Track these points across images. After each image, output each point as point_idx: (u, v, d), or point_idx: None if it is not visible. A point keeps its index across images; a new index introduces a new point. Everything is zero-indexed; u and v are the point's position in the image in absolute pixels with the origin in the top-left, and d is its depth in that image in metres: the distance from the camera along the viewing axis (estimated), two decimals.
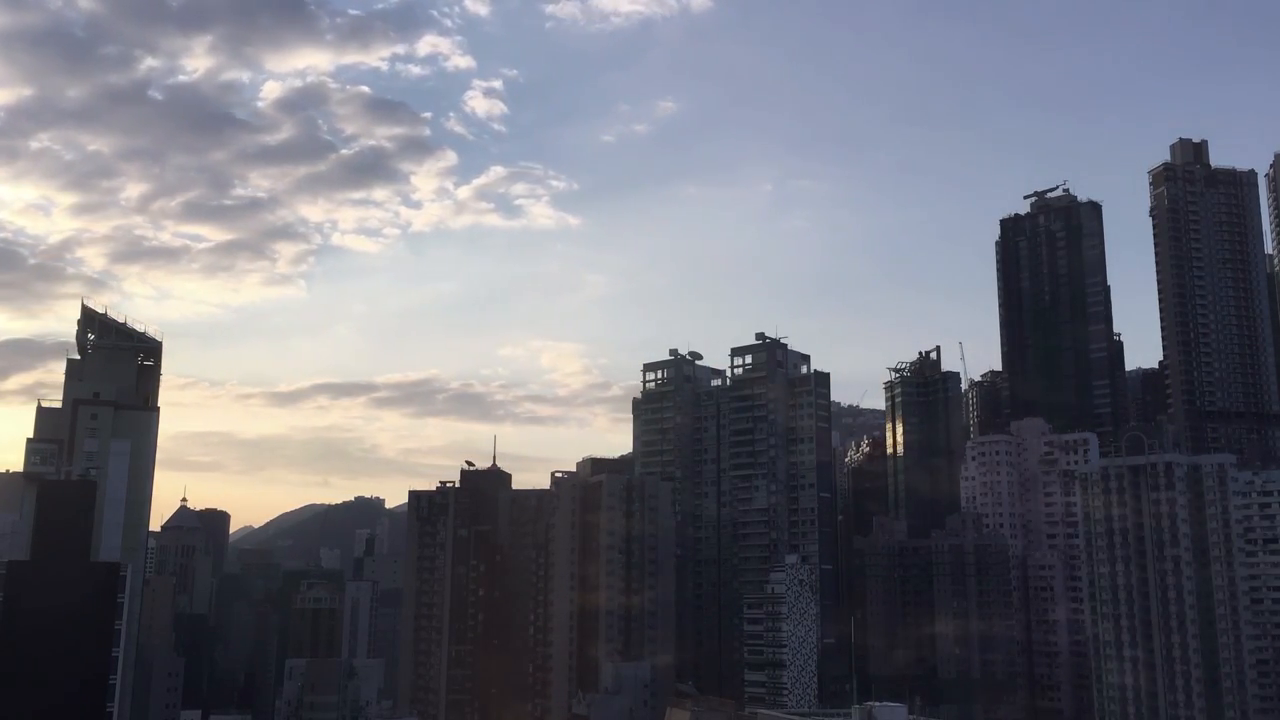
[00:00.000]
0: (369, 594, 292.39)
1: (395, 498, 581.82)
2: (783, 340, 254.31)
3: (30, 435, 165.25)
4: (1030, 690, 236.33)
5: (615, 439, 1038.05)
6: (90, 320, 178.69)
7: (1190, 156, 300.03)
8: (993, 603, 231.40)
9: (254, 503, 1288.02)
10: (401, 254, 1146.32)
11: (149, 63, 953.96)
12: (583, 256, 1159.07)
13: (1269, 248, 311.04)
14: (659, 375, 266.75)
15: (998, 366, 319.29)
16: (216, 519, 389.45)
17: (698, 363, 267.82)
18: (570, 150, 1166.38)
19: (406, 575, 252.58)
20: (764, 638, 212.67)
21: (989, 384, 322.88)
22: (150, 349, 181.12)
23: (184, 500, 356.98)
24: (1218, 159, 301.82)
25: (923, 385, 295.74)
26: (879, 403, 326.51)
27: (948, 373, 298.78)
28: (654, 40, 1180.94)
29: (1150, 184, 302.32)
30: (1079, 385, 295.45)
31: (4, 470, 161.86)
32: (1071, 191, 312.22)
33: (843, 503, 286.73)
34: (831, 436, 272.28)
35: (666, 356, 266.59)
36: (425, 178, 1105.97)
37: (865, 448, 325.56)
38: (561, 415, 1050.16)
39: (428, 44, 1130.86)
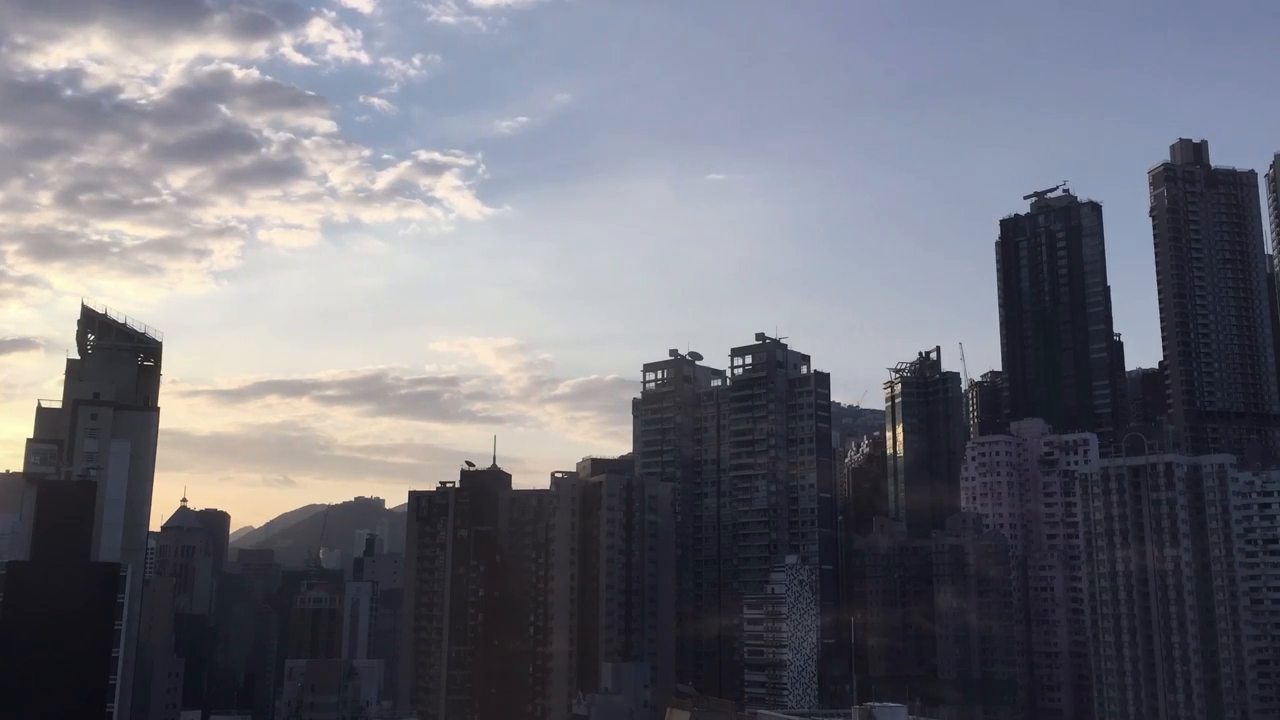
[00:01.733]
0: (369, 594, 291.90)
1: (395, 498, 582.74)
2: (783, 340, 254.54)
3: (30, 435, 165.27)
4: (1030, 690, 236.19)
5: (576, 437, 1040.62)
6: (90, 320, 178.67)
7: (1190, 157, 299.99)
8: (993, 603, 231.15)
9: (254, 503, 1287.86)
10: (323, 248, 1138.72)
11: (44, 57, 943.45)
12: (504, 249, 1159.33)
13: (1269, 248, 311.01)
14: (659, 375, 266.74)
15: (998, 367, 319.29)
16: (216, 519, 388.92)
17: (698, 363, 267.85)
18: (481, 142, 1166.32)
19: (406, 575, 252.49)
20: (764, 638, 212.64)
21: (989, 384, 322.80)
22: (150, 349, 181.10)
23: (184, 500, 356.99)
24: (1218, 159, 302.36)
25: (923, 386, 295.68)
26: (879, 403, 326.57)
27: (948, 373, 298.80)
28: (551, 28, 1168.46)
29: (1150, 184, 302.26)
30: (1079, 385, 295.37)
31: (4, 470, 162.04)
32: (1071, 191, 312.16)
33: (843, 503, 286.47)
34: (831, 436, 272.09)
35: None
36: (340, 170, 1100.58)
37: (865, 448, 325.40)
38: (519, 414, 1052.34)
39: (318, 35, 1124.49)
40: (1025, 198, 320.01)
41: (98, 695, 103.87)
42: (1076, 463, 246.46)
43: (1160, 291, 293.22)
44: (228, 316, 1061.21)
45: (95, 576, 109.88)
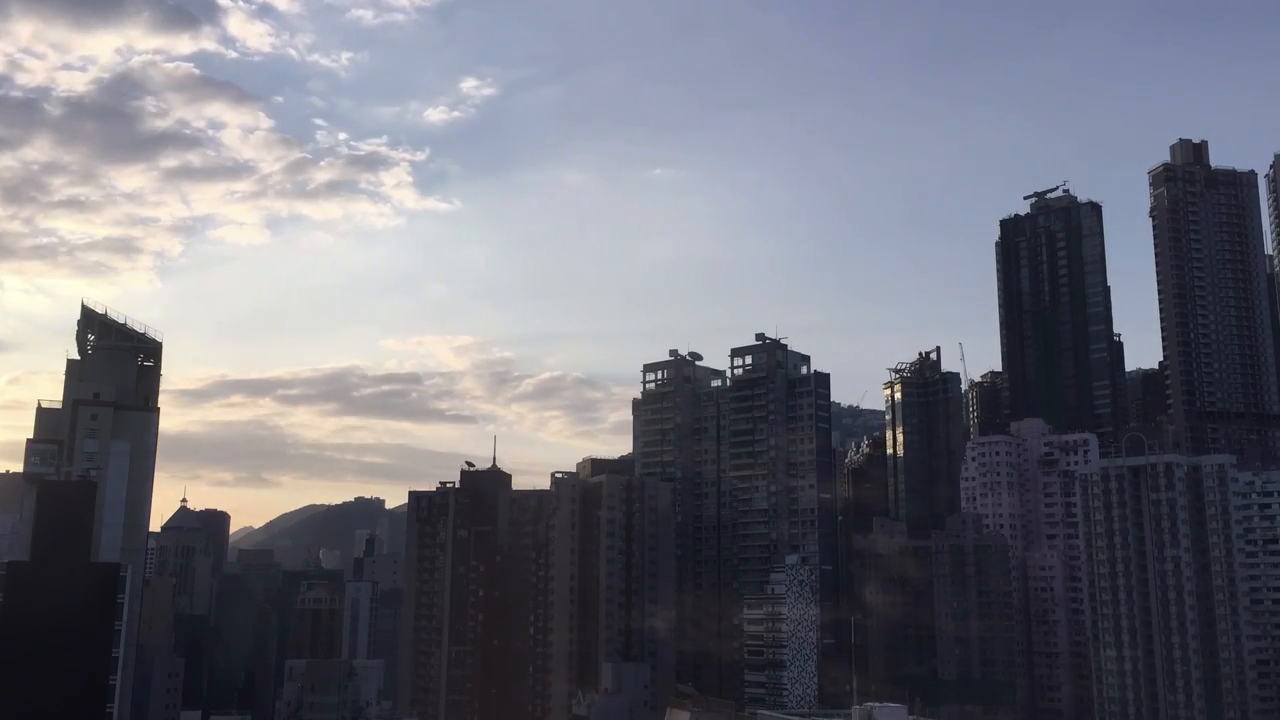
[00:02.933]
0: (369, 594, 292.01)
1: (394, 498, 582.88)
2: (783, 341, 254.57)
3: (30, 436, 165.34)
4: (1030, 690, 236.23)
5: (548, 436, 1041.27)
6: (90, 321, 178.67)
7: (1190, 157, 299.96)
8: (993, 603, 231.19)
9: (254, 503, 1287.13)
10: (269, 245, 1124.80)
11: None
12: (448, 242, 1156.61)
13: (1269, 248, 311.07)
14: (659, 376, 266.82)
15: (998, 367, 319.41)
16: (216, 519, 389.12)
17: (698, 363, 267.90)
18: (415, 135, 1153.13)
19: (406, 576, 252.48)
20: (764, 638, 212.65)
21: (989, 384, 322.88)
22: (150, 349, 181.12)
23: (184, 501, 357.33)
24: (1218, 159, 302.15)
25: (923, 386, 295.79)
26: (879, 403, 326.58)
27: (948, 373, 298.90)
28: (470, 21, 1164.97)
29: (1150, 184, 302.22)
30: (1079, 386, 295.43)
31: (4, 471, 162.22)
32: (1071, 192, 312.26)
33: (843, 503, 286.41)
34: (831, 437, 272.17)
35: (657, 357, 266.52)
36: (279, 166, 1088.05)
37: (865, 448, 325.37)
38: (487, 414, 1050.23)
39: (239, 30, 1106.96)
40: (1025, 198, 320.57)
41: (98, 695, 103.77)
42: (1076, 463, 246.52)
43: (1160, 291, 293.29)
44: (175, 315, 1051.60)
45: (95, 577, 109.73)
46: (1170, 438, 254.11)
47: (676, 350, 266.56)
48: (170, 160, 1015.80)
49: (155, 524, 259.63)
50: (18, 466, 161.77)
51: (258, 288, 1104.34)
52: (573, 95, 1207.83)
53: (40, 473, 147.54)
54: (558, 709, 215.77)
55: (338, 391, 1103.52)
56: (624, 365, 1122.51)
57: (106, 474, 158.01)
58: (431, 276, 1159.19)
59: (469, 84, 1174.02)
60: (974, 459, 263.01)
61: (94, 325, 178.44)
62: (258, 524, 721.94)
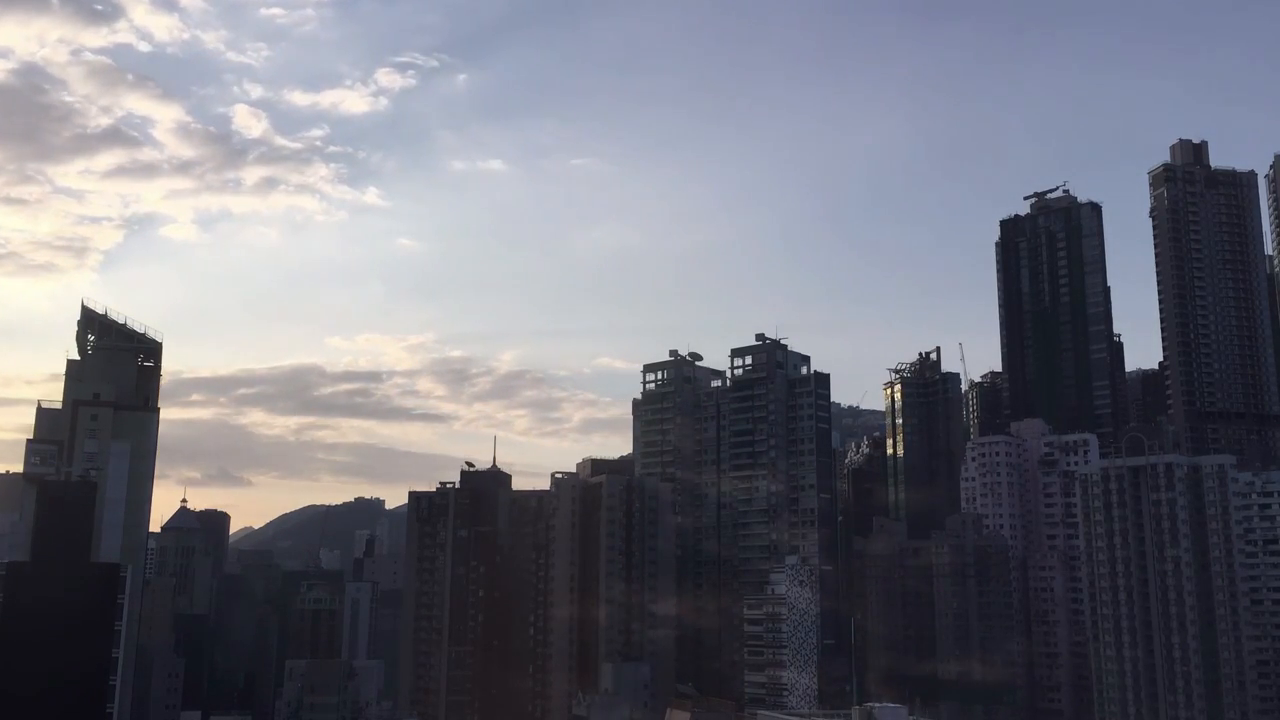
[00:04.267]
0: (369, 595, 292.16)
1: (394, 498, 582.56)
2: (783, 341, 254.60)
3: (30, 436, 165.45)
4: (1030, 691, 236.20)
5: (514, 435, 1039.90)
6: (90, 321, 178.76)
7: (1190, 157, 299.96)
8: (992, 604, 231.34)
9: (254, 503, 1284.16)
10: (202, 242, 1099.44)
11: None
12: (378, 235, 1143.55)
13: (1269, 249, 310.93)
14: (659, 376, 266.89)
15: (998, 367, 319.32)
16: (216, 520, 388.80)
17: (698, 364, 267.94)
18: (337, 128, 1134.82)
19: (406, 576, 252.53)
20: (764, 638, 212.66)
21: (989, 385, 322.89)
22: (150, 350, 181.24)
23: (184, 501, 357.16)
24: (1218, 159, 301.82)
25: (923, 386, 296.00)
26: (879, 403, 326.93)
27: (948, 373, 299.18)
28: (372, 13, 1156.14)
29: (1150, 185, 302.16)
30: (1079, 386, 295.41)
31: (4, 471, 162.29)
32: (1071, 192, 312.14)
33: (843, 503, 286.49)
34: (831, 437, 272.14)
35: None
36: (207, 161, 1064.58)
37: (865, 448, 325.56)
38: (451, 413, 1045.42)
39: (144, 21, 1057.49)
40: (1025, 198, 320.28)
41: (98, 695, 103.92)
42: (1076, 463, 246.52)
43: (1160, 292, 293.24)
44: (118, 314, 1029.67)
45: (95, 577, 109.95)
46: (1170, 438, 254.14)
47: (676, 350, 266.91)
48: (99, 155, 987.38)
49: (155, 524, 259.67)
50: (18, 467, 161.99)
51: (195, 286, 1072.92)
52: (488, 83, 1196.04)
53: (40, 473, 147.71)
54: (558, 709, 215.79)
55: (297, 390, 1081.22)
56: (576, 361, 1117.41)
57: (106, 474, 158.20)
58: (368, 272, 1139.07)
59: (385, 75, 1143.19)
60: (974, 459, 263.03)
61: (94, 325, 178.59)
62: (258, 524, 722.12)
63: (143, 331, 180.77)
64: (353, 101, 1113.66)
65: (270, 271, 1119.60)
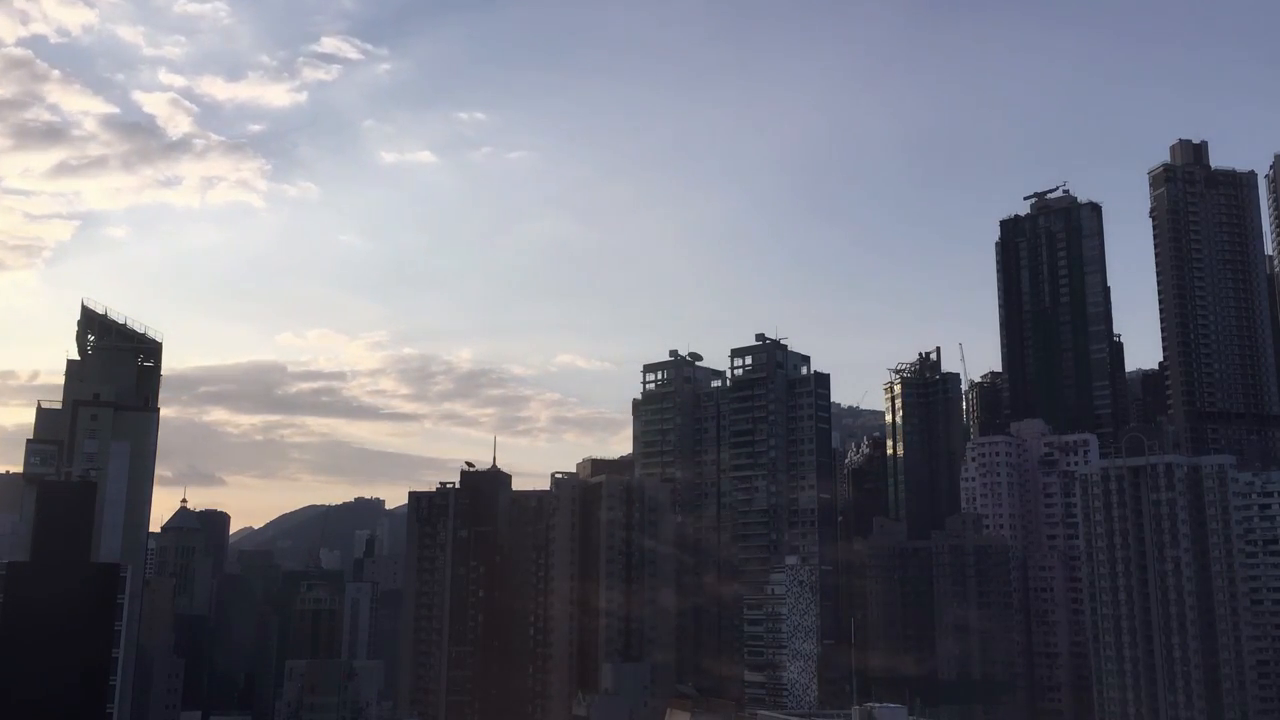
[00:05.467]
0: (369, 595, 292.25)
1: (395, 499, 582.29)
2: (783, 341, 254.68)
3: (30, 436, 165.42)
4: (1030, 691, 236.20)
5: (482, 434, 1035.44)
6: (90, 321, 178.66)
7: (1190, 157, 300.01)
8: (993, 604, 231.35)
9: (254, 503, 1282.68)
10: (139, 239, 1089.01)
11: None
12: (315, 230, 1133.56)
13: (1269, 249, 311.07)
14: (659, 376, 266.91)
15: (998, 367, 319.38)
16: (216, 520, 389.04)
17: (698, 364, 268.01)
18: (263, 122, 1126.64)
19: (406, 576, 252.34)
20: (764, 638, 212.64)
21: (989, 385, 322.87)
22: (150, 350, 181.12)
23: (184, 501, 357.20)
24: (1218, 160, 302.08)
25: (923, 386, 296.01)
26: (879, 403, 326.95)
27: (948, 373, 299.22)
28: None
29: (1150, 185, 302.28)
30: (1079, 386, 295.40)
31: (4, 471, 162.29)
32: (1071, 192, 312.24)
33: (843, 503, 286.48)
34: (831, 437, 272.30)
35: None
36: (138, 156, 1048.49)
37: (865, 448, 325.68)
38: (417, 412, 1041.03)
39: (57, 13, 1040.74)
40: (1025, 198, 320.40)
41: (98, 696, 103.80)
42: (1076, 463, 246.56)
43: (1160, 292, 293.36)
44: (59, 313, 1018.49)
45: (95, 577, 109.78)
46: (1170, 438, 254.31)
47: (676, 351, 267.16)
48: (37, 152, 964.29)
49: (155, 524, 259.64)
50: (18, 467, 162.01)
51: (137, 284, 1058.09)
52: (409, 71, 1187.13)
53: (40, 473, 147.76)
54: (558, 709, 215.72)
55: (261, 389, 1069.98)
56: (536, 358, 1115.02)
57: (106, 474, 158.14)
58: (308, 268, 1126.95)
59: (305, 65, 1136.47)
60: (974, 459, 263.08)
61: (94, 326, 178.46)
62: (258, 524, 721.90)
63: (143, 331, 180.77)
64: (276, 94, 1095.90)
65: (210, 268, 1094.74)
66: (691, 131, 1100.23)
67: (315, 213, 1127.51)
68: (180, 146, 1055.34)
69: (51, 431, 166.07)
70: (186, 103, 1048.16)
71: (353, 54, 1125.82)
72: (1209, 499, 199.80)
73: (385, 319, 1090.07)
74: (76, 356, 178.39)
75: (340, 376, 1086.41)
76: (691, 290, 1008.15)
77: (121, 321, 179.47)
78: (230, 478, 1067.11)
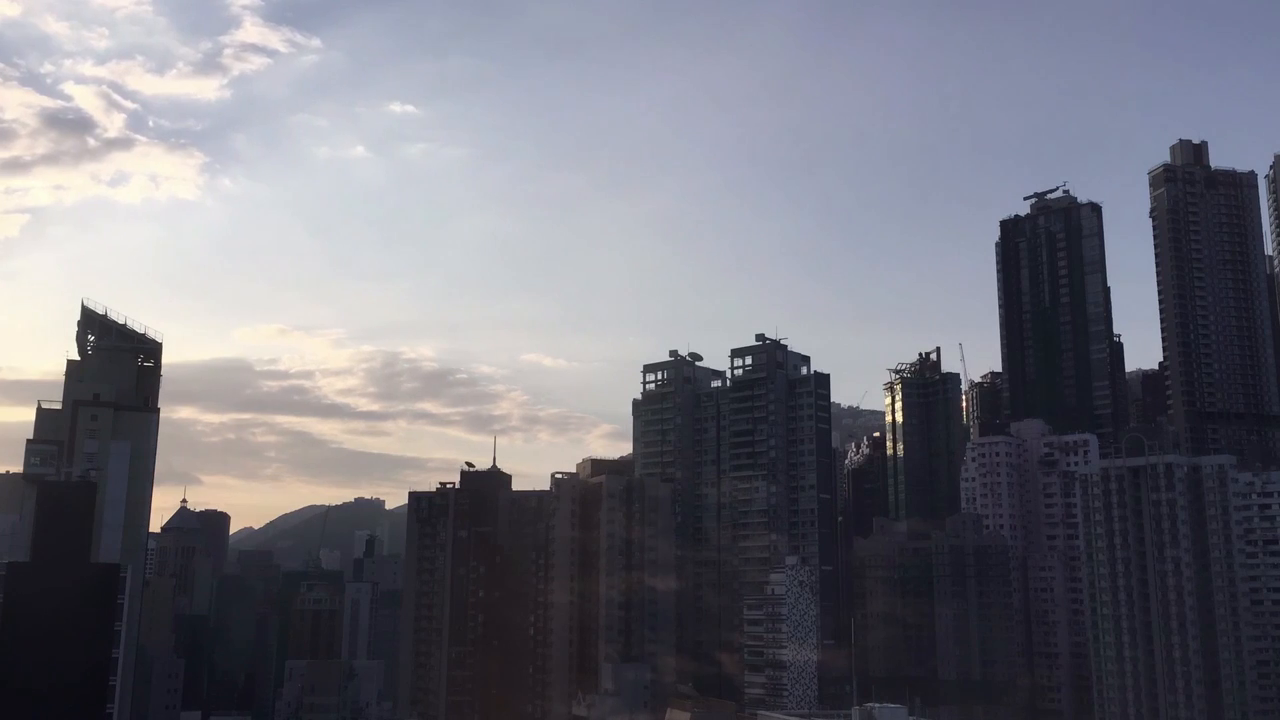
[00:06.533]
0: (369, 595, 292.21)
1: (394, 499, 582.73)
2: (782, 341, 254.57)
3: (30, 436, 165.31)
4: (1030, 691, 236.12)
5: (456, 433, 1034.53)
6: (90, 321, 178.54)
7: (1190, 158, 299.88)
8: (993, 604, 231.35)
9: (254, 504, 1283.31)
10: (81, 236, 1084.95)
11: None
12: (251, 225, 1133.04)
13: (1269, 249, 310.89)
14: (659, 376, 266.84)
15: (998, 367, 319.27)
16: (216, 520, 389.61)
17: (698, 364, 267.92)
18: (193, 116, 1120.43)
19: (406, 576, 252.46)
20: (764, 638, 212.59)
21: (989, 385, 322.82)
22: (150, 350, 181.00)
23: (184, 501, 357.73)
24: (1218, 160, 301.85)
25: (923, 386, 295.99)
26: (879, 403, 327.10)
27: (948, 374, 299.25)
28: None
29: (1150, 185, 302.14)
30: (1079, 386, 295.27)
31: (4, 471, 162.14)
32: (1071, 192, 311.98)
33: (843, 503, 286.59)
34: (831, 437, 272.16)
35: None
36: (70, 151, 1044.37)
37: (865, 448, 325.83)
38: (398, 410, 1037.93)
39: None
40: (1025, 198, 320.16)
41: (98, 696, 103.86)
42: (1076, 463, 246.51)
43: (1160, 292, 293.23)
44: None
45: (95, 577, 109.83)
46: (1170, 438, 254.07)
47: (676, 351, 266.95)
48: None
49: (155, 524, 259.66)
50: (18, 467, 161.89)
51: (79, 282, 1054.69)
52: (335, 64, 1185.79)
53: (40, 473, 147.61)
54: (558, 709, 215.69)
55: (227, 388, 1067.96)
56: (500, 357, 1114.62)
57: (106, 474, 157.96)
58: (254, 264, 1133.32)
59: (232, 57, 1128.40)
60: (974, 459, 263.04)
61: (94, 326, 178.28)
62: (258, 525, 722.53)
63: (143, 332, 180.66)
64: (205, 86, 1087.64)
65: (154, 266, 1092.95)
66: (665, 123, 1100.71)
67: (256, 209, 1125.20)
68: (115, 142, 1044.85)
69: (51, 431, 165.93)
70: (116, 96, 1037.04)
71: (279, 45, 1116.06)
72: (1209, 499, 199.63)
73: (338, 316, 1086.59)
74: (76, 356, 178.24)
75: (308, 375, 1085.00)
76: (652, 286, 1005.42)
77: (121, 322, 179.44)
78: (208, 478, 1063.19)
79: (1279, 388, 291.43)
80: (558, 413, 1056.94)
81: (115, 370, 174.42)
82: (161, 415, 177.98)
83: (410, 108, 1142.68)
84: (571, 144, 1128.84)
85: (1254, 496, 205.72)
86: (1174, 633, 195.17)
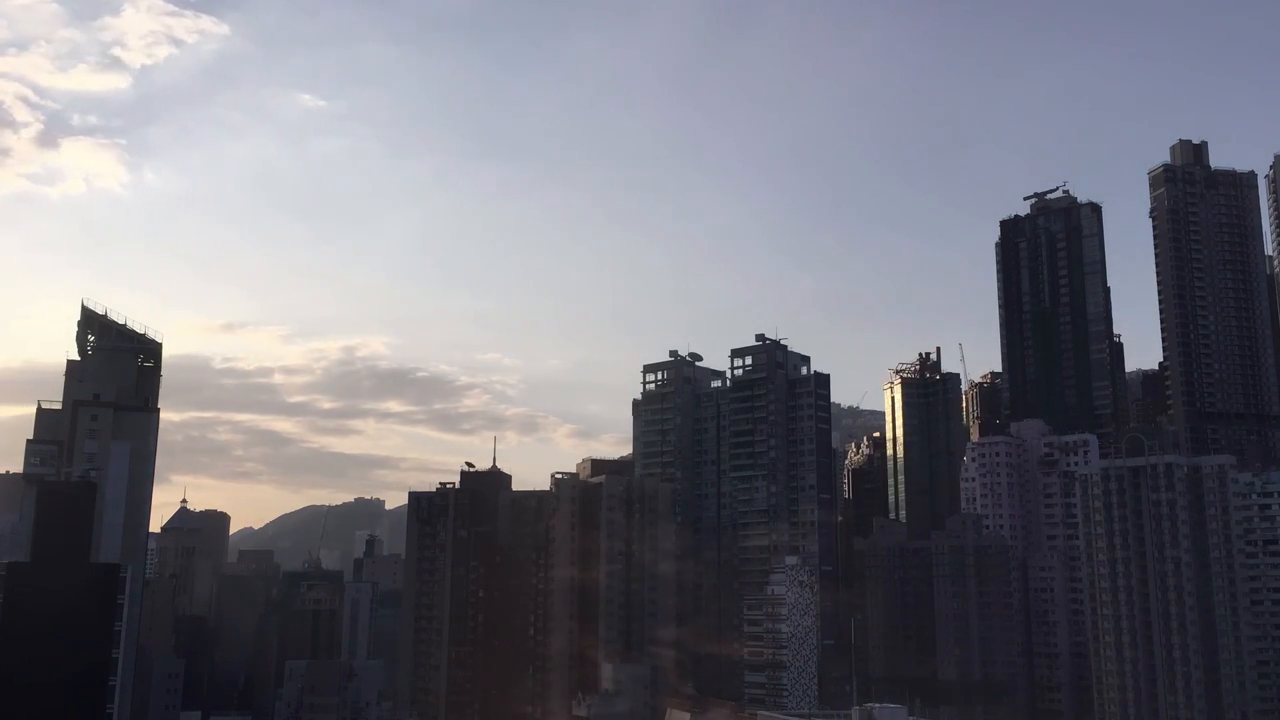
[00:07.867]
0: (369, 595, 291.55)
1: (394, 499, 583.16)
2: (783, 341, 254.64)
3: (30, 436, 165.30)
4: (1030, 692, 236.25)
5: (429, 431, 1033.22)
6: (90, 321, 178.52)
7: (1190, 158, 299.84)
8: (993, 604, 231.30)
9: (254, 504, 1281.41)
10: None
11: None
12: (176, 217, 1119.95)
13: (1269, 249, 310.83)
14: (659, 376, 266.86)
15: (998, 367, 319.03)
16: (216, 520, 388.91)
17: (698, 364, 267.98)
18: (106, 108, 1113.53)
19: (406, 576, 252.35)
20: (764, 638, 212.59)
21: (989, 385, 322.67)
22: (150, 350, 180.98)
23: (184, 501, 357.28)
24: (1218, 160, 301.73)
25: (923, 386, 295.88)
26: (879, 404, 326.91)
27: (948, 374, 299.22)
28: None
29: (1150, 185, 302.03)
30: (1079, 386, 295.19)
31: (4, 471, 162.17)
32: (1071, 192, 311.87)
33: (843, 503, 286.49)
34: (831, 437, 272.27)
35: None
36: None
37: (865, 448, 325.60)
38: (366, 409, 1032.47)
39: None
40: (1025, 198, 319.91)
41: (97, 696, 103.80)
42: (1076, 464, 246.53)
43: (1160, 292, 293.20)
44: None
45: (95, 577, 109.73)
46: (1170, 438, 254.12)
47: (676, 351, 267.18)
48: None
49: (155, 524, 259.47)
50: (18, 467, 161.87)
51: (9, 280, 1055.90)
52: (239, 50, 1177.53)
53: (40, 473, 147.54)
54: (558, 709, 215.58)
55: (184, 386, 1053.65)
56: (455, 355, 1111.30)
57: (106, 475, 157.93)
58: (174, 257, 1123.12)
59: (133, 45, 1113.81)
60: (974, 460, 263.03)
61: (94, 326, 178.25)
62: (258, 525, 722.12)
63: (142, 332, 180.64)
64: (109, 78, 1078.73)
65: (84, 261, 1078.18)
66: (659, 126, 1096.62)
67: (180, 203, 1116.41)
68: (24, 138, 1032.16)
69: (51, 431, 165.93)
70: (27, 91, 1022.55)
71: (184, 35, 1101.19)
72: (1209, 499, 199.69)
73: (278, 312, 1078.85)
74: (76, 356, 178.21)
75: (266, 373, 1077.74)
76: (611, 285, 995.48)
77: (121, 322, 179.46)
78: (177, 477, 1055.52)
79: (1279, 388, 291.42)
80: (521, 412, 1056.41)
81: (115, 370, 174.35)
82: None
83: (321, 102, 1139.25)
84: (491, 139, 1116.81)
85: (1254, 496, 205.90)
86: (1174, 633, 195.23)
